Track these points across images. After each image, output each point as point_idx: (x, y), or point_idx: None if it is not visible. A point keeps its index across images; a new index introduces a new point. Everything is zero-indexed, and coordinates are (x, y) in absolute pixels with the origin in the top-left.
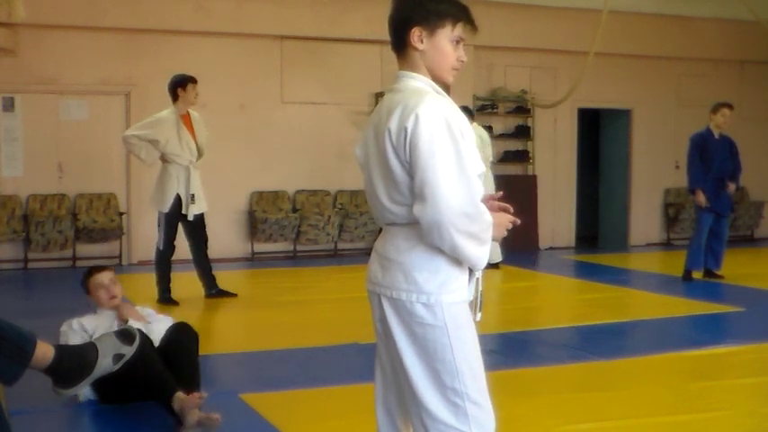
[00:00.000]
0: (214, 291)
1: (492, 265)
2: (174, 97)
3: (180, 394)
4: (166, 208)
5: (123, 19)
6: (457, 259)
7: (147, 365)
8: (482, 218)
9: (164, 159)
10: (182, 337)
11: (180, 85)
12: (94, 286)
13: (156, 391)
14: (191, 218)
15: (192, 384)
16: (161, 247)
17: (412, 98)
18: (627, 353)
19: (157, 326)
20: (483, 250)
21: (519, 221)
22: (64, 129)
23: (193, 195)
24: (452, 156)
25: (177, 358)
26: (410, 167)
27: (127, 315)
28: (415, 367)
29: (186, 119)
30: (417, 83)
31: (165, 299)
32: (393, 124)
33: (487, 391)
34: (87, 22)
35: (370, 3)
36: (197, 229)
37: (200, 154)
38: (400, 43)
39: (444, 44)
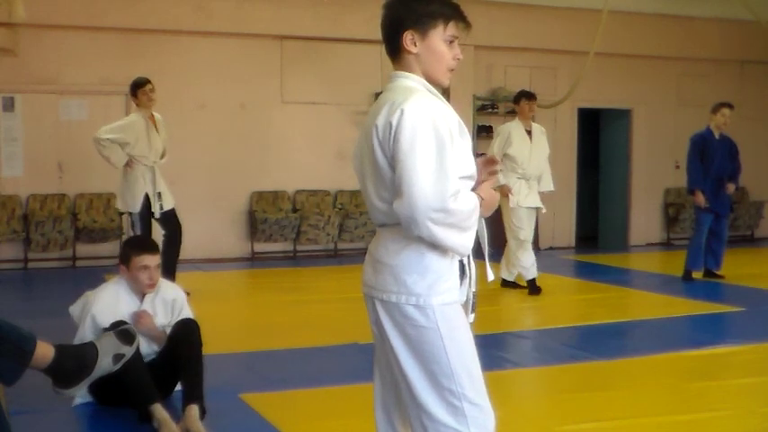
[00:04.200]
0: None
1: (532, 286)
2: (135, 101)
3: (161, 413)
4: (137, 208)
5: (123, 19)
6: (446, 260)
7: (130, 370)
8: (461, 210)
9: (128, 163)
10: (186, 338)
11: (132, 90)
12: (138, 265)
13: (134, 397)
14: (157, 215)
15: (192, 386)
16: None
17: (400, 95)
18: (627, 353)
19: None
20: (465, 237)
21: (499, 166)
22: (64, 129)
23: (160, 193)
24: (432, 153)
25: (180, 361)
26: (392, 162)
27: (143, 327)
28: (412, 369)
29: (152, 120)
30: (409, 82)
31: None
32: (380, 120)
33: (485, 391)
34: (87, 22)
35: (370, 3)
36: (171, 221)
37: (163, 155)
38: (394, 48)
39: (438, 45)
